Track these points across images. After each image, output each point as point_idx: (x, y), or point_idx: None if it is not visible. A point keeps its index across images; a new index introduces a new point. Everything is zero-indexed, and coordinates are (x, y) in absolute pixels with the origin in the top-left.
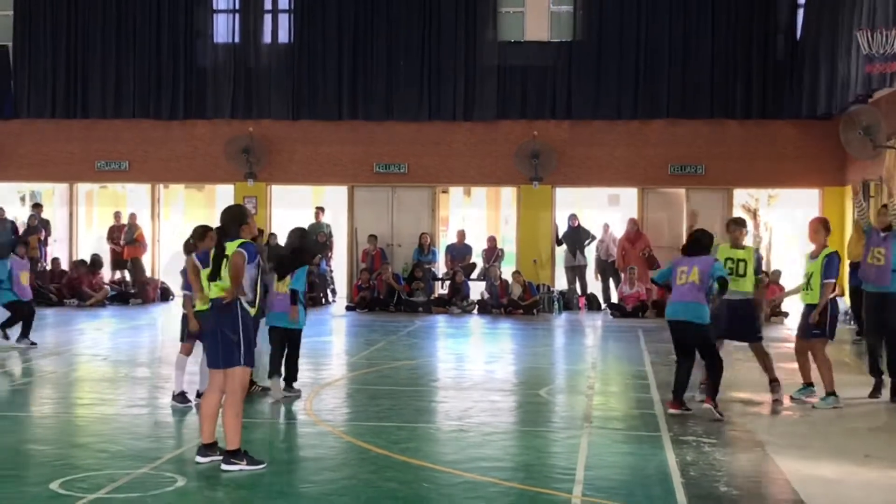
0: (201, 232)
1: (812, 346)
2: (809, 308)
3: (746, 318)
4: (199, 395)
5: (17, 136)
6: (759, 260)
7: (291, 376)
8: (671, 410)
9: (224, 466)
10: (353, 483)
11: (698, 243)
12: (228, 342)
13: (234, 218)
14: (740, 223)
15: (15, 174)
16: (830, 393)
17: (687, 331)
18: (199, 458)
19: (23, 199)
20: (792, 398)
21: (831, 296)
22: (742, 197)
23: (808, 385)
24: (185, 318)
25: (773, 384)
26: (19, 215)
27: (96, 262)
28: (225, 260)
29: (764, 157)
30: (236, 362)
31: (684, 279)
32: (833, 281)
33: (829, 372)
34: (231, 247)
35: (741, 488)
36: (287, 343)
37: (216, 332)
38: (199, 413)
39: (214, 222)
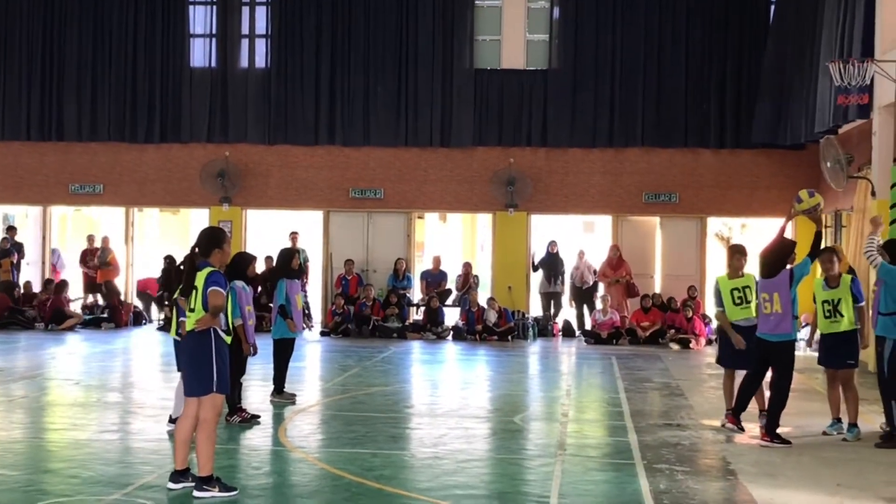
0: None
1: (845, 376)
2: (837, 337)
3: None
4: (171, 420)
5: None
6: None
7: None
8: (728, 424)
9: (196, 493)
10: None
11: (773, 264)
12: (205, 371)
13: (212, 239)
14: (743, 251)
15: None
16: (854, 424)
17: (771, 347)
18: (170, 485)
19: None
20: (825, 433)
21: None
22: (715, 225)
23: (838, 421)
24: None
25: (763, 414)
26: None
27: (59, 285)
28: (195, 290)
29: (737, 185)
30: (210, 390)
31: (769, 308)
32: (863, 304)
33: (857, 402)
34: (200, 277)
35: None
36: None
37: (192, 361)
38: (173, 439)
39: (186, 247)
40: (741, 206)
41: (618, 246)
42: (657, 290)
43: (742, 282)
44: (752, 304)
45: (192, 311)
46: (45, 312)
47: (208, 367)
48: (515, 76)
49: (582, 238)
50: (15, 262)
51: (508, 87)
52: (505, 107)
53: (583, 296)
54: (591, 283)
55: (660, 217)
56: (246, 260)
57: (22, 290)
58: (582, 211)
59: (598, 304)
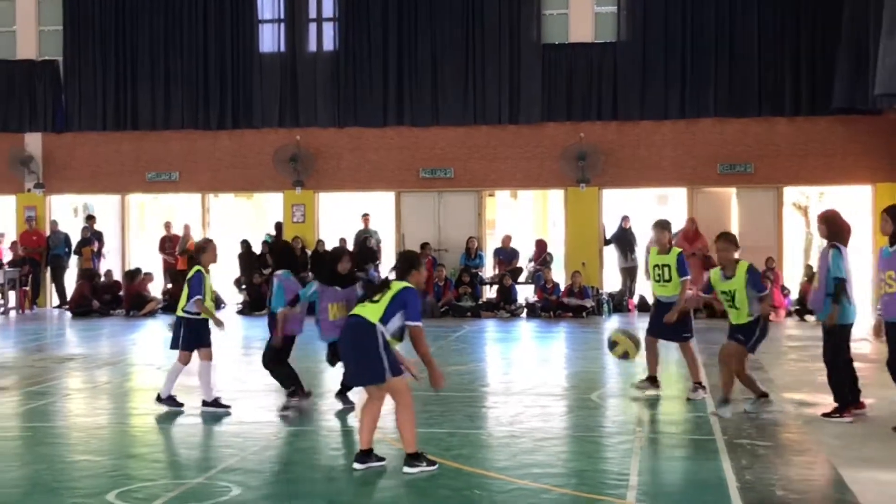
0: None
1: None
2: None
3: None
4: (205, 403)
5: (70, 148)
6: (684, 262)
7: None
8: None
9: (406, 469)
10: (404, 491)
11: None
12: (375, 361)
13: (410, 262)
14: (665, 226)
15: (68, 186)
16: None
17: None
18: (357, 465)
19: (75, 210)
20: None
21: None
22: (793, 195)
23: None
24: (198, 323)
25: (696, 386)
26: (73, 227)
27: (133, 274)
28: (388, 291)
29: (814, 153)
30: (383, 378)
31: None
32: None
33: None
34: (396, 287)
35: (798, 492)
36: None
37: (360, 352)
38: (359, 421)
39: (261, 232)
40: (818, 175)
41: (694, 219)
42: None
43: (665, 259)
44: (673, 282)
45: (375, 301)
46: (125, 300)
47: (377, 357)
48: (584, 50)
49: (656, 211)
50: (96, 250)
51: (577, 61)
52: (574, 81)
53: None
54: None
55: (735, 188)
56: (335, 256)
57: (102, 278)
58: (655, 184)
59: None
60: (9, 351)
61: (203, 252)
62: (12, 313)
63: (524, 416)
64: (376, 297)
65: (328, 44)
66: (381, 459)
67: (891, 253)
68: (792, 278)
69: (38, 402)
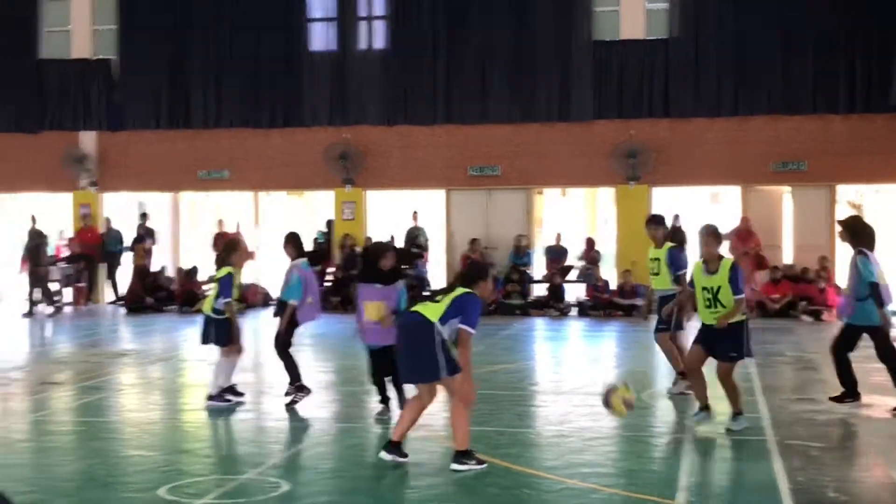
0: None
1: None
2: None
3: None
4: (226, 390)
5: (123, 147)
6: (676, 256)
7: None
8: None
9: (455, 466)
10: (453, 489)
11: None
12: (430, 360)
13: (478, 272)
14: (659, 221)
15: (121, 184)
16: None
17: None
18: (383, 454)
19: (129, 208)
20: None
21: None
22: (847, 193)
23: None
24: (227, 323)
25: (680, 377)
26: (126, 225)
27: (191, 271)
28: (451, 293)
29: (869, 151)
30: (438, 377)
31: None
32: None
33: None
34: (457, 292)
35: (851, 494)
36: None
37: (415, 351)
38: (401, 414)
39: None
40: (874, 173)
41: (748, 217)
42: (786, 261)
43: (656, 253)
44: (663, 276)
45: (437, 301)
46: (178, 296)
47: (433, 355)
48: (635, 46)
49: (708, 209)
50: (148, 248)
51: (628, 58)
52: (625, 78)
53: None
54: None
55: (788, 186)
56: (377, 252)
57: (155, 276)
58: (706, 182)
59: None
60: (64, 346)
61: (233, 252)
62: (68, 309)
63: (573, 415)
64: (438, 297)
65: (378, 42)
66: (406, 456)
67: None
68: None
69: (92, 396)
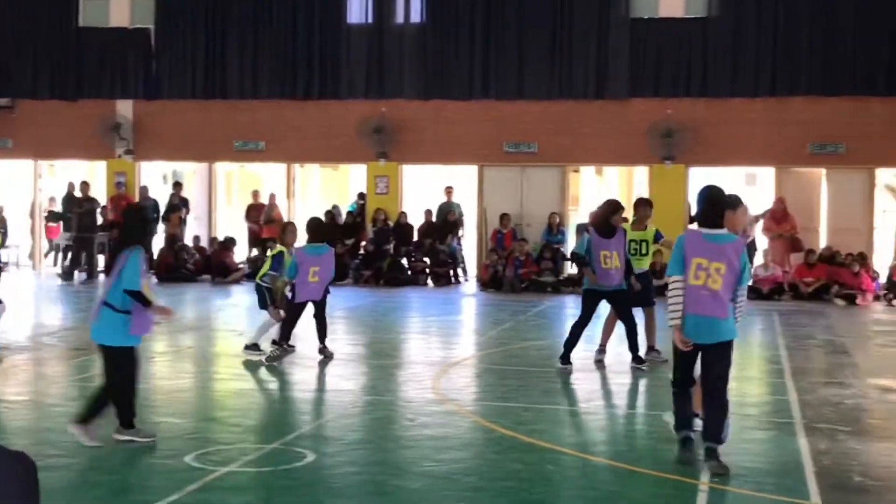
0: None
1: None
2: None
3: (644, 287)
4: (246, 347)
5: (159, 116)
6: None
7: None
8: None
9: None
10: (477, 463)
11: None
12: None
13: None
14: (651, 204)
15: (157, 153)
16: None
17: None
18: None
19: (164, 177)
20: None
21: None
22: (885, 176)
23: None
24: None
25: (651, 352)
26: (161, 194)
27: (225, 242)
28: None
29: None
30: None
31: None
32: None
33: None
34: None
35: (877, 478)
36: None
37: None
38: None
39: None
40: None
41: (783, 198)
42: (822, 244)
43: (642, 235)
44: (648, 257)
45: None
46: (211, 266)
47: None
48: (673, 24)
49: (744, 190)
50: (183, 217)
51: (666, 36)
52: (662, 56)
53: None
54: (753, 236)
55: (826, 168)
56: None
57: (190, 244)
58: (743, 162)
59: (760, 259)
60: None
61: (284, 234)
62: (101, 276)
63: (600, 392)
64: None
65: (415, 15)
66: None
67: None
68: (882, 262)
69: None
